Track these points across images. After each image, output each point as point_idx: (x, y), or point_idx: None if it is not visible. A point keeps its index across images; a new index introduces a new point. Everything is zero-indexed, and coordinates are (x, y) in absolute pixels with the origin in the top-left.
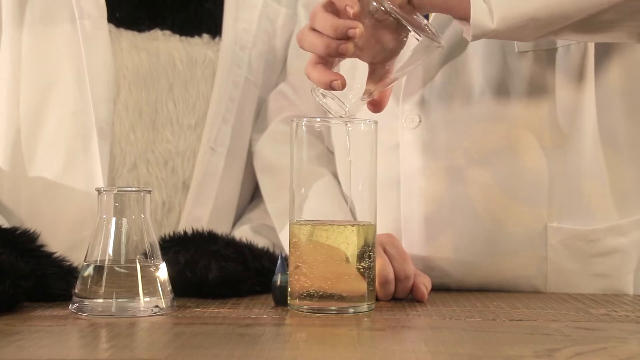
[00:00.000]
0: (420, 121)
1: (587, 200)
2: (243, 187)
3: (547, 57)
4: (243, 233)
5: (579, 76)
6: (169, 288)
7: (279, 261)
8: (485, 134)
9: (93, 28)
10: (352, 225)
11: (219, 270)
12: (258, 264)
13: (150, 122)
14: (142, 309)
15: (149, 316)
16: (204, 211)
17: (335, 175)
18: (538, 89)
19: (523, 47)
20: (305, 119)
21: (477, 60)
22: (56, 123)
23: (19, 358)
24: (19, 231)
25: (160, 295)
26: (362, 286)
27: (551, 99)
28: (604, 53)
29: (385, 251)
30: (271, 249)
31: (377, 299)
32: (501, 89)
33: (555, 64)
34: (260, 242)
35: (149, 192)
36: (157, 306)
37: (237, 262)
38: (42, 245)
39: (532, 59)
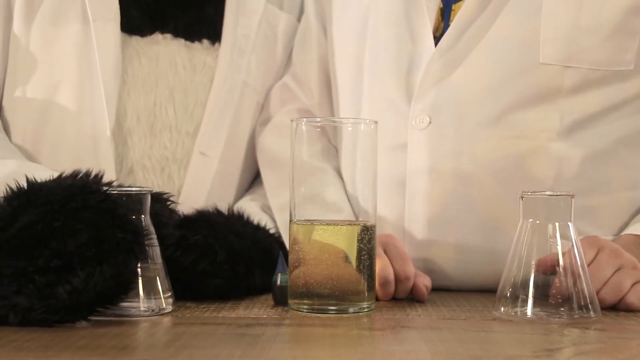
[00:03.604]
0: (430, 122)
1: (594, 211)
2: (237, 194)
3: (565, 69)
4: (250, 209)
5: (591, 88)
6: (170, 289)
7: (279, 261)
8: (494, 140)
9: (105, 31)
10: (352, 225)
11: (213, 288)
12: (250, 280)
13: (149, 128)
14: (142, 309)
15: (149, 316)
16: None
17: (338, 171)
18: (550, 99)
19: (547, 59)
20: (305, 119)
21: (496, 65)
22: (60, 125)
23: (18, 358)
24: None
25: (160, 296)
26: (361, 286)
27: (562, 109)
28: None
29: (385, 252)
30: (276, 232)
31: (377, 299)
32: (515, 96)
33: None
34: (268, 221)
35: (150, 192)
36: (157, 307)
37: (230, 279)
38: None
39: (552, 70)
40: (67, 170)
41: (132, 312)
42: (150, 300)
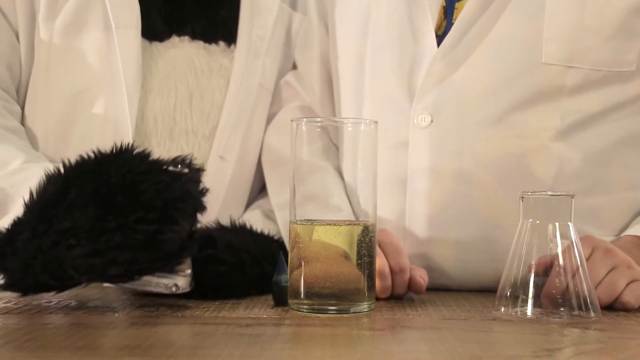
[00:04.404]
0: (431, 121)
1: (595, 211)
2: (251, 195)
3: (567, 69)
4: (254, 218)
5: (592, 88)
6: (190, 267)
7: (279, 261)
8: (495, 139)
9: (128, 38)
10: (352, 225)
11: (214, 274)
12: (257, 268)
13: (167, 132)
14: (162, 284)
15: (166, 295)
16: (208, 219)
17: (339, 170)
18: (552, 99)
19: (550, 58)
20: (304, 119)
21: (498, 65)
22: (85, 132)
23: (18, 358)
24: None
25: (180, 274)
26: (361, 285)
27: (563, 109)
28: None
29: (380, 246)
30: (280, 238)
31: (377, 298)
32: (517, 96)
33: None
34: (272, 228)
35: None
36: (176, 284)
37: (234, 266)
38: None
39: (554, 70)
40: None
41: (153, 287)
42: (168, 277)
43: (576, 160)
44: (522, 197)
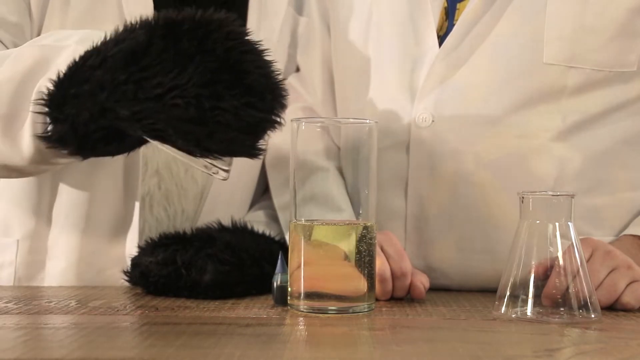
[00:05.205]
0: (432, 121)
1: (596, 211)
2: (256, 195)
3: (568, 70)
4: (257, 218)
5: (594, 89)
6: (231, 164)
7: (278, 261)
8: (496, 139)
9: None
10: (352, 225)
11: (214, 273)
12: (257, 269)
13: None
14: (204, 164)
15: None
16: (209, 219)
17: (340, 170)
18: (553, 99)
19: (551, 59)
20: (304, 119)
21: (499, 65)
22: None
23: (16, 357)
24: None
25: (221, 165)
26: (361, 286)
27: (564, 109)
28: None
29: (382, 249)
30: (281, 239)
31: (377, 299)
32: (518, 96)
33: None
34: (275, 228)
35: None
36: (216, 172)
37: (233, 266)
38: None
39: (555, 70)
40: None
41: (197, 165)
42: (212, 162)
43: (577, 160)
44: (522, 197)
